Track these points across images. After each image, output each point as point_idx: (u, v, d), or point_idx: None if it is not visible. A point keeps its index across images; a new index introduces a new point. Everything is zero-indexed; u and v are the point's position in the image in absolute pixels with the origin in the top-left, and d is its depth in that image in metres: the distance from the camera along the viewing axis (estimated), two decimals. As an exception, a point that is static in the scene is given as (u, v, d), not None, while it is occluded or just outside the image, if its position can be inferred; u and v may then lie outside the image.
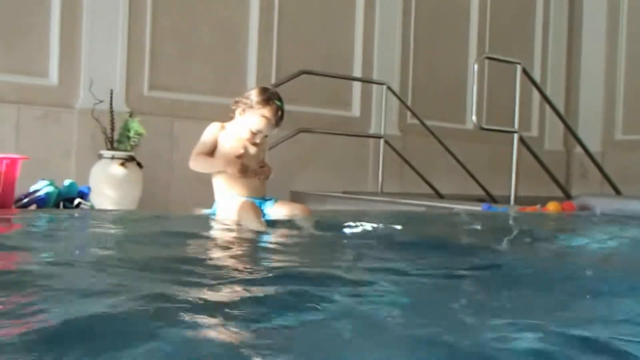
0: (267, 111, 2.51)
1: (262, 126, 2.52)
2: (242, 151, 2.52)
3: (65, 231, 2.05)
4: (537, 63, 7.80)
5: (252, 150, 2.59)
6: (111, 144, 4.33)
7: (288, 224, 2.38)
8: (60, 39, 4.66)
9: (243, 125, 2.55)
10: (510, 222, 3.02)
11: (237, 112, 2.58)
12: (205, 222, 2.46)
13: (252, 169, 2.53)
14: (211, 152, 2.56)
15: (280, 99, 2.58)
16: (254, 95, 2.56)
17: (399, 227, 2.65)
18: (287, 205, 2.65)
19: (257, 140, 2.57)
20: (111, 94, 4.48)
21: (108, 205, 4.01)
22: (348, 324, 0.93)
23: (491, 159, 6.95)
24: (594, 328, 0.95)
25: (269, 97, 2.55)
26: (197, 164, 2.54)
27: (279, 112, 2.55)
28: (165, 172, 5.01)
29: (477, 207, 3.86)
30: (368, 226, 2.42)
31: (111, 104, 4.43)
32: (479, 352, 0.83)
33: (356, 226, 2.41)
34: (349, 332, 0.90)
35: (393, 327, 0.96)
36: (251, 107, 2.53)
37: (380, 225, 2.52)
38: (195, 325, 0.89)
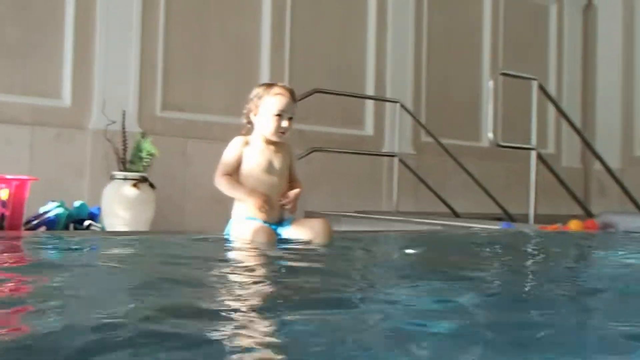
0: (276, 89, 2.49)
1: (281, 103, 2.45)
2: (268, 195, 2.42)
3: (75, 254, 1.99)
4: (552, 79, 7.72)
5: (277, 163, 2.52)
6: (123, 165, 4.30)
7: (303, 246, 2.31)
8: (73, 60, 4.66)
9: (265, 120, 2.47)
10: (534, 240, 2.93)
11: (252, 116, 2.52)
12: (218, 243, 2.39)
13: (273, 201, 2.46)
14: (236, 168, 2.49)
15: None
16: (256, 90, 2.54)
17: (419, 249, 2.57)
18: (306, 228, 2.54)
19: (286, 127, 2.46)
20: (123, 114, 4.46)
21: (120, 227, 3.97)
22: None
23: (507, 177, 6.85)
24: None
25: (270, 82, 2.60)
26: (223, 187, 2.47)
27: (288, 87, 2.54)
28: (178, 193, 4.97)
29: (496, 226, 3.76)
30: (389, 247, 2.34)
31: (123, 124, 4.42)
32: None
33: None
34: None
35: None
36: (260, 97, 2.49)
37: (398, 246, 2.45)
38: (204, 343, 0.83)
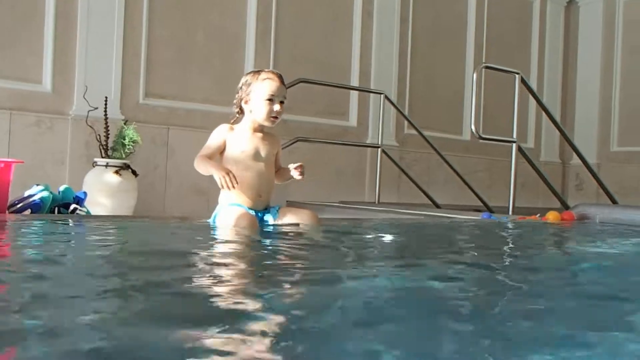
0: (264, 74, 2.50)
1: (271, 87, 2.46)
2: (233, 171, 2.40)
3: (60, 237, 1.99)
4: (534, 74, 7.82)
5: (264, 151, 2.52)
6: (105, 152, 4.27)
7: (289, 231, 2.32)
8: (55, 45, 4.61)
9: (257, 105, 2.48)
10: (512, 230, 2.98)
11: (242, 104, 2.52)
12: (203, 229, 2.40)
13: (258, 188, 2.47)
14: (218, 153, 2.49)
15: None
16: (244, 78, 2.55)
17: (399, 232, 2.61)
18: (292, 213, 2.56)
19: (279, 110, 2.46)
20: (106, 101, 4.42)
21: (102, 214, 3.94)
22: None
23: (488, 170, 6.94)
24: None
25: (257, 69, 2.59)
26: (197, 165, 2.45)
27: (276, 72, 2.55)
28: (160, 181, 4.95)
29: (477, 217, 3.81)
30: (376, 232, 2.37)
31: (105, 111, 4.38)
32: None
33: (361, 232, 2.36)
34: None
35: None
36: (250, 84, 2.50)
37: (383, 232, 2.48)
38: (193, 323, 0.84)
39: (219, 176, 2.33)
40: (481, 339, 0.85)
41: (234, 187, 2.34)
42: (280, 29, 5.73)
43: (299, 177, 2.54)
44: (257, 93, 2.47)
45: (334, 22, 6.11)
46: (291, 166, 2.54)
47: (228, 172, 2.35)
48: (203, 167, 2.41)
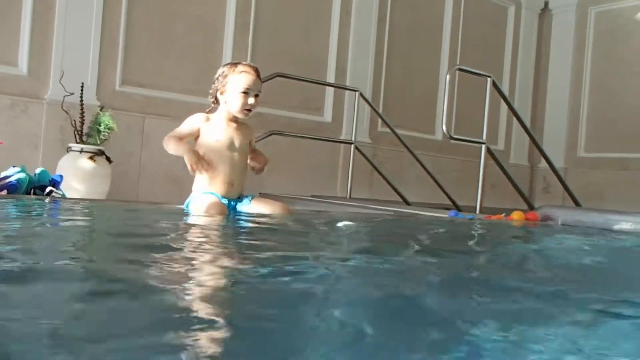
0: (241, 67, 2.56)
1: (247, 80, 2.52)
2: (203, 154, 2.47)
3: (36, 220, 2.02)
4: (506, 79, 7.99)
5: (238, 141, 2.58)
6: (80, 138, 4.28)
7: (259, 219, 2.39)
8: (32, 28, 4.59)
9: (231, 97, 2.53)
10: (474, 227, 3.09)
11: (218, 95, 2.58)
12: (176, 214, 2.45)
13: (232, 176, 2.53)
14: (187, 139, 2.55)
15: None
16: (221, 69, 2.61)
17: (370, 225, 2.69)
18: (265, 203, 2.63)
19: (253, 103, 2.52)
20: (82, 87, 4.42)
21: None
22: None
23: (459, 171, 7.08)
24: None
25: (234, 62, 2.66)
26: (167, 143, 2.49)
27: (252, 65, 2.60)
28: (134, 169, 4.97)
29: (444, 214, 3.93)
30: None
31: (82, 97, 4.38)
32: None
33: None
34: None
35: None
36: (226, 76, 2.56)
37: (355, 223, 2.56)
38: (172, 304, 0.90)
39: (188, 159, 2.40)
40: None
41: (206, 170, 2.41)
42: (260, 22, 5.77)
43: (254, 171, 2.64)
44: (233, 85, 2.53)
45: (312, 18, 6.17)
46: (254, 164, 2.63)
47: (200, 158, 2.41)
48: (173, 147, 2.46)
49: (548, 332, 0.87)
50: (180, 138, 2.51)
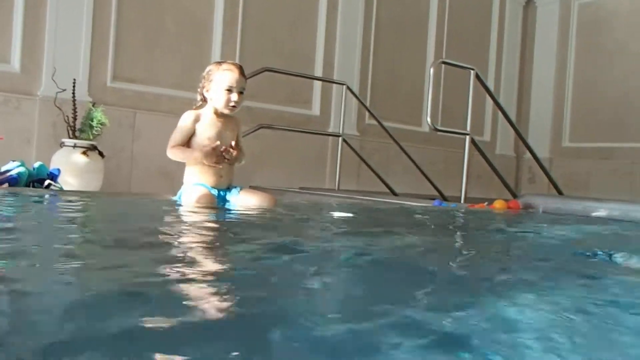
0: (225, 65, 2.68)
1: (230, 78, 2.63)
2: (218, 142, 2.60)
3: (35, 211, 2.12)
4: (492, 71, 8.12)
5: (226, 135, 2.70)
6: (73, 133, 4.36)
7: (246, 209, 2.51)
8: (24, 25, 4.65)
9: (216, 95, 2.64)
10: (457, 215, 3.21)
11: (205, 92, 2.69)
12: (169, 206, 2.56)
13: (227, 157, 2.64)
14: (187, 140, 2.66)
15: None
16: (207, 68, 2.73)
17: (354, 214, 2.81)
18: (253, 195, 2.76)
19: (236, 100, 2.63)
20: (74, 83, 4.50)
21: (68, 193, 4.04)
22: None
23: (445, 162, 7.21)
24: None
25: (220, 60, 2.78)
26: (175, 155, 2.62)
27: (237, 64, 2.72)
28: (126, 163, 5.05)
29: (429, 204, 4.05)
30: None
31: (74, 93, 4.46)
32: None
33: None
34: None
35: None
36: (211, 74, 2.68)
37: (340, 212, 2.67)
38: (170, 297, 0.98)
39: (207, 158, 2.53)
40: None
41: (226, 152, 2.54)
42: (248, 17, 5.86)
43: (229, 162, 2.69)
44: (218, 83, 2.65)
45: (300, 12, 6.26)
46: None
47: (213, 149, 2.55)
48: (181, 156, 2.61)
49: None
50: (182, 145, 2.63)
